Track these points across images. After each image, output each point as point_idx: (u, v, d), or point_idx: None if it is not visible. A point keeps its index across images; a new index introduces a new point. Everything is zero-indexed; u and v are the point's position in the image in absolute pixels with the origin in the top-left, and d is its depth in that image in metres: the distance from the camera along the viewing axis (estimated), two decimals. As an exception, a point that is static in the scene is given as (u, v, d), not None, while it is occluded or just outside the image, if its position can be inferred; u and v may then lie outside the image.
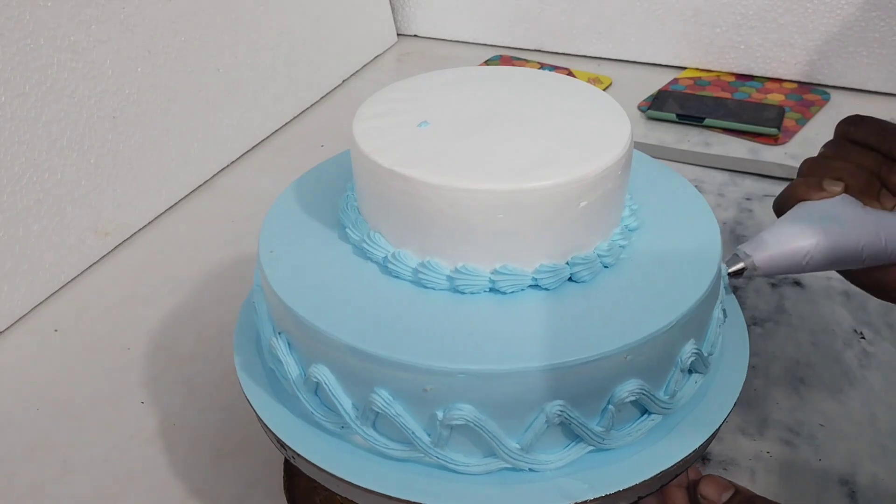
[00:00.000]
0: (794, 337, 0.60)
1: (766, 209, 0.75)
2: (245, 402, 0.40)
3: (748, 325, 0.45)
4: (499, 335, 0.34)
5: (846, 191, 0.42)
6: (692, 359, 0.37)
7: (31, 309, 0.65)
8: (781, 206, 0.44)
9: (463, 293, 0.36)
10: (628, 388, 0.35)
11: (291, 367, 0.38)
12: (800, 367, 0.57)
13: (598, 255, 0.38)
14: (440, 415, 0.34)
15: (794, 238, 0.41)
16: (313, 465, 0.37)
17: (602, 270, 0.38)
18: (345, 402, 0.36)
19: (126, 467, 0.51)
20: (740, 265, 0.42)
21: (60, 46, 0.64)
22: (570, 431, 0.35)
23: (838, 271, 0.46)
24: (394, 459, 0.36)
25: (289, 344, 0.38)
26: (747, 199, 0.76)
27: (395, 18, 1.15)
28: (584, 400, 0.35)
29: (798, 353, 0.58)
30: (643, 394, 0.35)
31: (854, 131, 0.44)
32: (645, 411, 0.37)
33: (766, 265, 0.41)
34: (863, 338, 0.59)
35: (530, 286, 0.37)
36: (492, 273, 0.36)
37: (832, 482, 0.49)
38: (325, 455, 0.37)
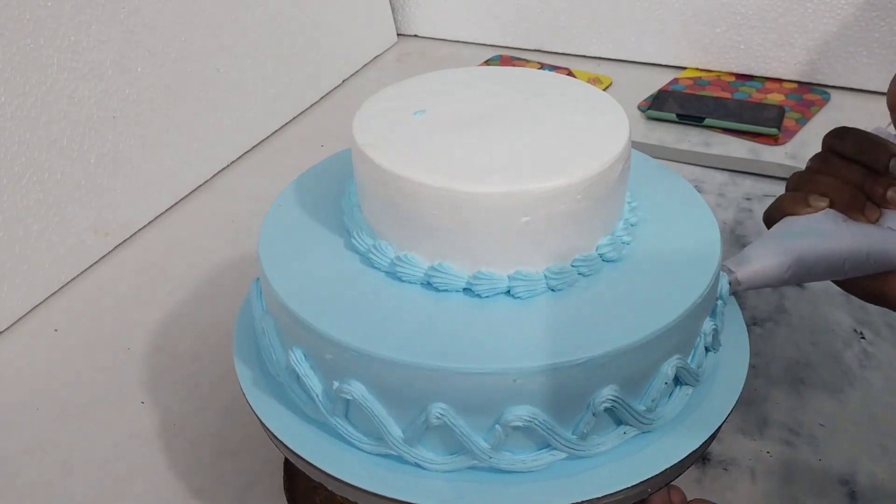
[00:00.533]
0: (794, 337, 0.60)
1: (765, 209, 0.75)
2: (245, 402, 0.41)
3: (748, 325, 0.45)
4: (407, 327, 0.35)
5: (831, 205, 0.44)
6: (607, 405, 0.35)
7: (31, 309, 0.65)
8: (769, 219, 0.46)
9: (402, 280, 0.37)
10: (517, 413, 0.34)
11: (258, 311, 0.41)
12: (800, 367, 0.57)
13: (545, 276, 0.37)
14: (335, 385, 0.36)
15: (775, 253, 0.43)
16: (311, 464, 0.37)
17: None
18: (279, 354, 0.39)
19: (126, 467, 0.51)
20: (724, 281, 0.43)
21: (60, 46, 0.64)
22: (455, 439, 0.35)
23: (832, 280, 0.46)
24: (303, 417, 0.38)
25: (260, 292, 0.41)
26: (747, 199, 0.76)
27: (395, 18, 1.15)
28: (470, 412, 0.34)
29: (798, 353, 0.58)
30: (537, 425, 0.34)
31: (839, 144, 0.45)
32: (547, 444, 0.36)
33: (749, 279, 0.43)
34: (863, 338, 0.59)
35: (465, 288, 0.37)
36: (428, 269, 0.37)
37: (832, 482, 0.49)
38: (323, 454, 0.37)
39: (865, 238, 0.43)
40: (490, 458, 0.35)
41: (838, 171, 0.44)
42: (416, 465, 0.36)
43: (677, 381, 0.38)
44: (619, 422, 0.36)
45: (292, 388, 0.38)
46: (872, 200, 0.44)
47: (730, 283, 0.42)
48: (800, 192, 0.45)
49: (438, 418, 0.34)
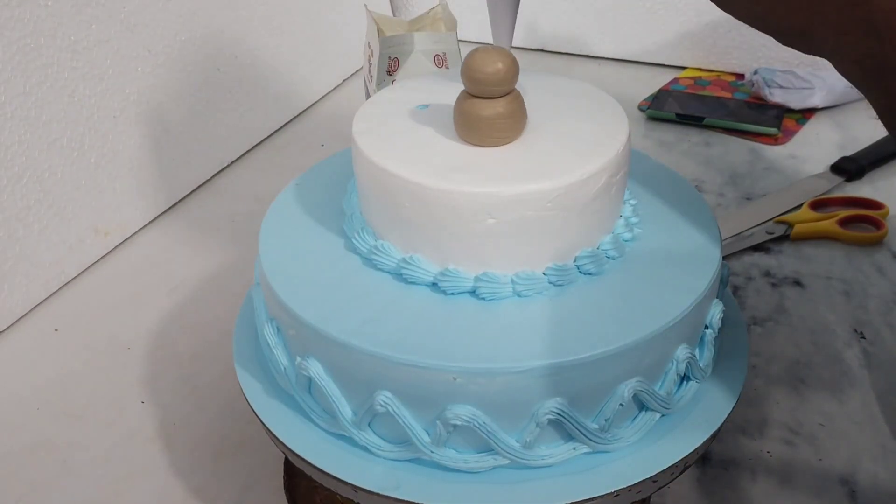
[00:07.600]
0: (794, 337, 0.60)
1: None
2: (245, 403, 0.41)
3: (748, 325, 0.45)
4: (365, 311, 0.36)
5: None
6: (551, 417, 0.34)
7: (31, 309, 0.65)
8: None
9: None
10: (456, 412, 0.34)
11: (257, 293, 0.42)
12: (800, 367, 0.57)
13: (512, 281, 0.37)
14: (297, 360, 0.37)
15: None
16: (311, 464, 0.37)
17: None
18: (267, 330, 0.40)
19: (126, 467, 0.51)
20: None
21: (61, 46, 0.64)
22: (397, 428, 0.35)
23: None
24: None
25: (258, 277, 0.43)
26: (747, 198, 0.76)
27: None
28: (414, 403, 0.35)
29: (798, 353, 0.58)
30: (477, 427, 0.34)
31: None
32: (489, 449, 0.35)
33: None
34: (863, 338, 0.59)
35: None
36: (399, 260, 0.38)
37: (832, 482, 0.49)
38: (323, 454, 0.37)
39: None
40: (432, 453, 0.35)
41: None
42: (366, 449, 0.37)
43: (642, 405, 0.37)
44: (569, 436, 0.36)
45: (274, 362, 0.40)
46: None
47: None
48: None
49: (383, 406, 0.35)
